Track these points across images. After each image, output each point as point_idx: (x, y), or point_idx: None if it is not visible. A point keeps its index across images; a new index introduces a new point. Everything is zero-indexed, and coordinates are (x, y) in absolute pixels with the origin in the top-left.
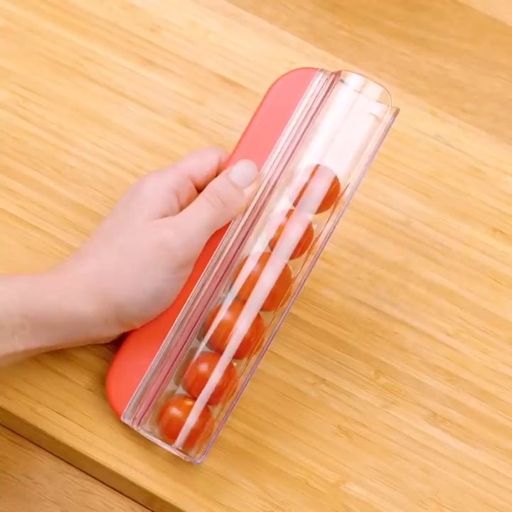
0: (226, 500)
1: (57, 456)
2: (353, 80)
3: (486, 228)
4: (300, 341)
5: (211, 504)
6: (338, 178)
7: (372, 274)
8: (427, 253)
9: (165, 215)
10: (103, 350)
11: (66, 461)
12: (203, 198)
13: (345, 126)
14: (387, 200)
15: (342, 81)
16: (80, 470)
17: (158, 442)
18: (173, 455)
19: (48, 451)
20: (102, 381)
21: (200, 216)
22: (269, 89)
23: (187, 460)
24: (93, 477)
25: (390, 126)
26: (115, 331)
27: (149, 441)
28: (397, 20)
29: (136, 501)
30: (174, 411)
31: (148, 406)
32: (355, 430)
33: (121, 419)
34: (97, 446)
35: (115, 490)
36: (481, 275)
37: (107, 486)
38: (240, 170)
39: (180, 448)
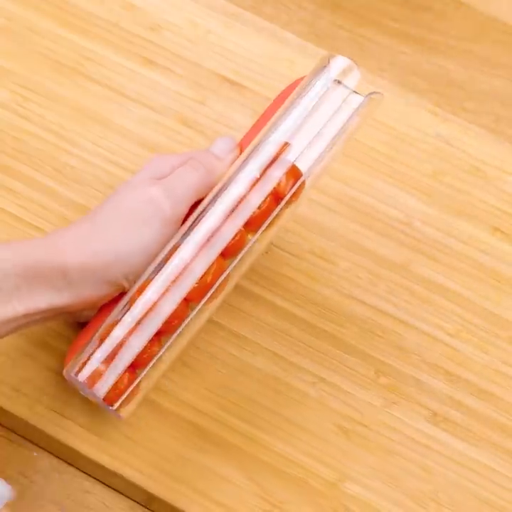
0: (225, 498)
1: (56, 456)
2: (336, 65)
3: (486, 227)
4: (299, 340)
5: (210, 503)
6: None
7: (372, 273)
8: (428, 252)
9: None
10: None
11: (64, 461)
12: (187, 165)
13: (316, 112)
14: (388, 199)
15: (325, 67)
16: (79, 469)
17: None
18: (173, 452)
19: (46, 450)
20: None
21: (185, 178)
22: (277, 96)
23: (109, 411)
24: (92, 477)
25: (358, 110)
26: (104, 291)
27: (149, 441)
28: (398, 20)
29: (135, 501)
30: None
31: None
32: (355, 429)
33: (64, 374)
34: (96, 445)
35: (114, 489)
36: (482, 274)
37: (106, 485)
38: (219, 144)
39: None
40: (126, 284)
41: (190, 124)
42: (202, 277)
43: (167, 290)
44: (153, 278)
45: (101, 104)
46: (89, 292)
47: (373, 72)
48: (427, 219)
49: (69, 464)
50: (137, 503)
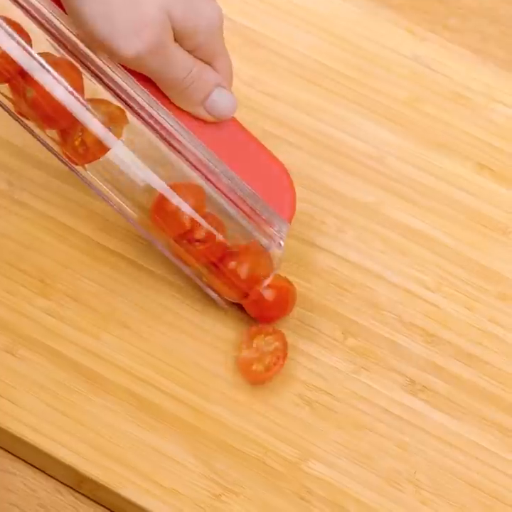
0: (167, 481)
1: None
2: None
3: (471, 164)
4: None
5: (150, 485)
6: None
7: (340, 217)
8: (403, 193)
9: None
10: (25, 306)
11: None
12: (197, 61)
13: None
14: (357, 131)
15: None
16: None
17: None
18: (108, 426)
19: None
20: (25, 343)
21: (182, 55)
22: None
23: None
24: (13, 454)
25: None
26: None
27: (78, 412)
28: None
29: (62, 482)
30: None
31: None
32: (320, 400)
33: None
34: (17, 418)
35: (38, 469)
36: (466, 219)
37: (29, 464)
38: (228, 98)
39: None
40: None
41: None
42: None
43: None
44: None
45: None
46: None
47: None
48: (402, 154)
49: None
50: (65, 485)
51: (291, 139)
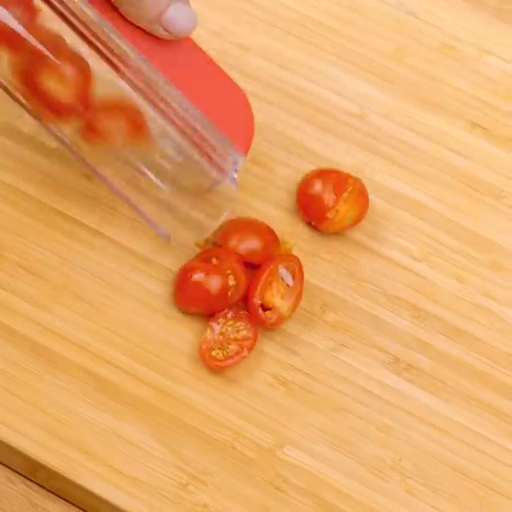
0: (129, 469)
1: None
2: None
3: (461, 122)
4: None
5: (111, 473)
6: None
7: None
8: (386, 153)
9: None
10: None
11: None
12: None
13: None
14: (336, 86)
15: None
16: None
17: None
18: (64, 408)
19: None
20: None
21: None
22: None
23: None
24: None
25: None
26: None
27: (31, 393)
28: None
29: (13, 470)
30: None
31: None
32: (296, 380)
33: None
34: None
35: None
36: (456, 182)
37: None
38: (186, 11)
39: None
40: None
41: None
42: None
43: None
44: None
45: None
46: None
47: None
48: (384, 111)
49: None
50: (17, 473)
51: (263, 93)
